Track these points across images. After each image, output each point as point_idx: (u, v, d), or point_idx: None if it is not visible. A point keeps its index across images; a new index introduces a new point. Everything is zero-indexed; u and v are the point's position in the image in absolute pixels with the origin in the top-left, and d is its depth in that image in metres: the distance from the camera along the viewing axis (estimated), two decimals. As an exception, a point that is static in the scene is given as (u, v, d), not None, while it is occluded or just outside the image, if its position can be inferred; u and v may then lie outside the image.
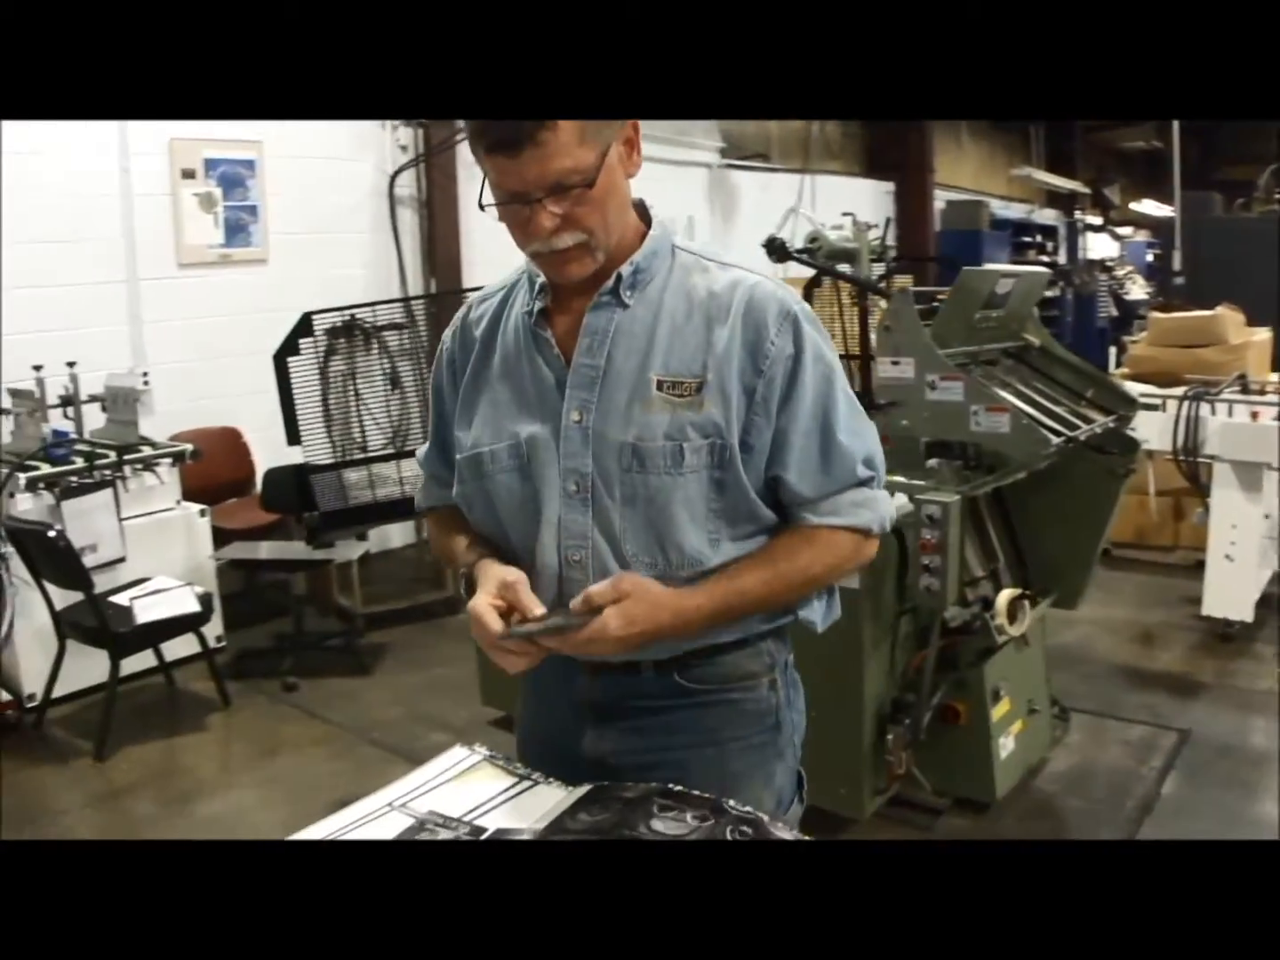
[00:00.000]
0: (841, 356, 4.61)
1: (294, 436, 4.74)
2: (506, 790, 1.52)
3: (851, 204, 9.87)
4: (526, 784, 1.53)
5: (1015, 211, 13.32)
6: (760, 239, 4.05)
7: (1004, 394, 3.35)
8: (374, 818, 1.46)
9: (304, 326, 4.73)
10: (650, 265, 1.57)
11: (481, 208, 1.49)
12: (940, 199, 11.55)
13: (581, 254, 1.50)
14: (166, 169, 5.89)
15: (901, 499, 3.18)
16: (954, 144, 12.18)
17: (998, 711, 3.42)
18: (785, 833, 1.35)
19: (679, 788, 1.43)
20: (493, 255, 6.89)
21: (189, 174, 5.97)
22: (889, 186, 11.02)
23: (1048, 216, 14.29)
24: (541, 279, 1.59)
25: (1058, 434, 3.15)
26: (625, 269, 1.55)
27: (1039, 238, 13.25)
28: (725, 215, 9.33)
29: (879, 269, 4.44)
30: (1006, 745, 3.47)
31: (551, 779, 1.54)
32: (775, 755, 1.67)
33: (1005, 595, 3.17)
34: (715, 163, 9.32)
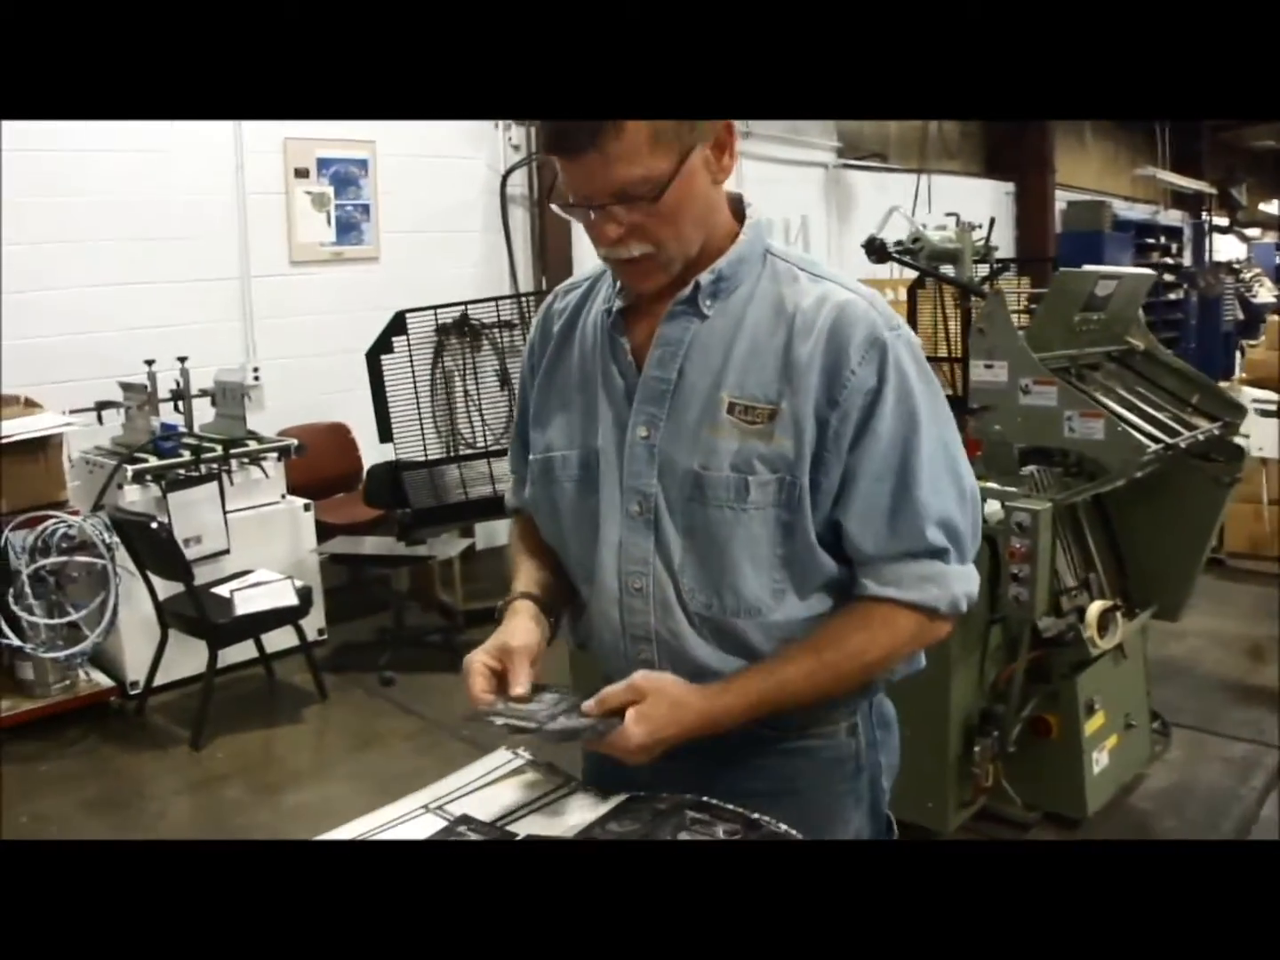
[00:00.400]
0: (943, 359, 4.54)
1: (385, 434, 4.80)
2: (544, 796, 1.49)
3: (969, 204, 9.72)
4: (564, 790, 1.50)
5: (1139, 213, 12.90)
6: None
7: (1104, 399, 3.23)
8: (408, 819, 1.45)
9: (397, 325, 4.79)
10: (736, 273, 1.43)
11: (547, 202, 1.42)
12: (1062, 199, 11.26)
13: (651, 267, 1.39)
14: (280, 168, 6.03)
15: (994, 505, 3.09)
16: (1077, 143, 11.86)
17: (1091, 725, 3.31)
18: None
19: (714, 800, 1.38)
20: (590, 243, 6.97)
21: (302, 173, 6.11)
22: (1009, 187, 10.79)
23: (1173, 218, 13.80)
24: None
25: (1156, 440, 3.02)
26: (705, 277, 1.41)
27: (1163, 239, 12.80)
28: (841, 215, 9.22)
29: (984, 270, 4.35)
30: (1100, 760, 3.35)
31: (590, 786, 1.50)
32: (854, 802, 1.54)
33: (1095, 607, 3.05)
34: (831, 162, 9.22)
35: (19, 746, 4.40)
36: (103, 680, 4.81)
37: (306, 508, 5.39)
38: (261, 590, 4.64)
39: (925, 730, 3.14)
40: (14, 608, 4.31)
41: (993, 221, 4.07)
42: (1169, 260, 12.57)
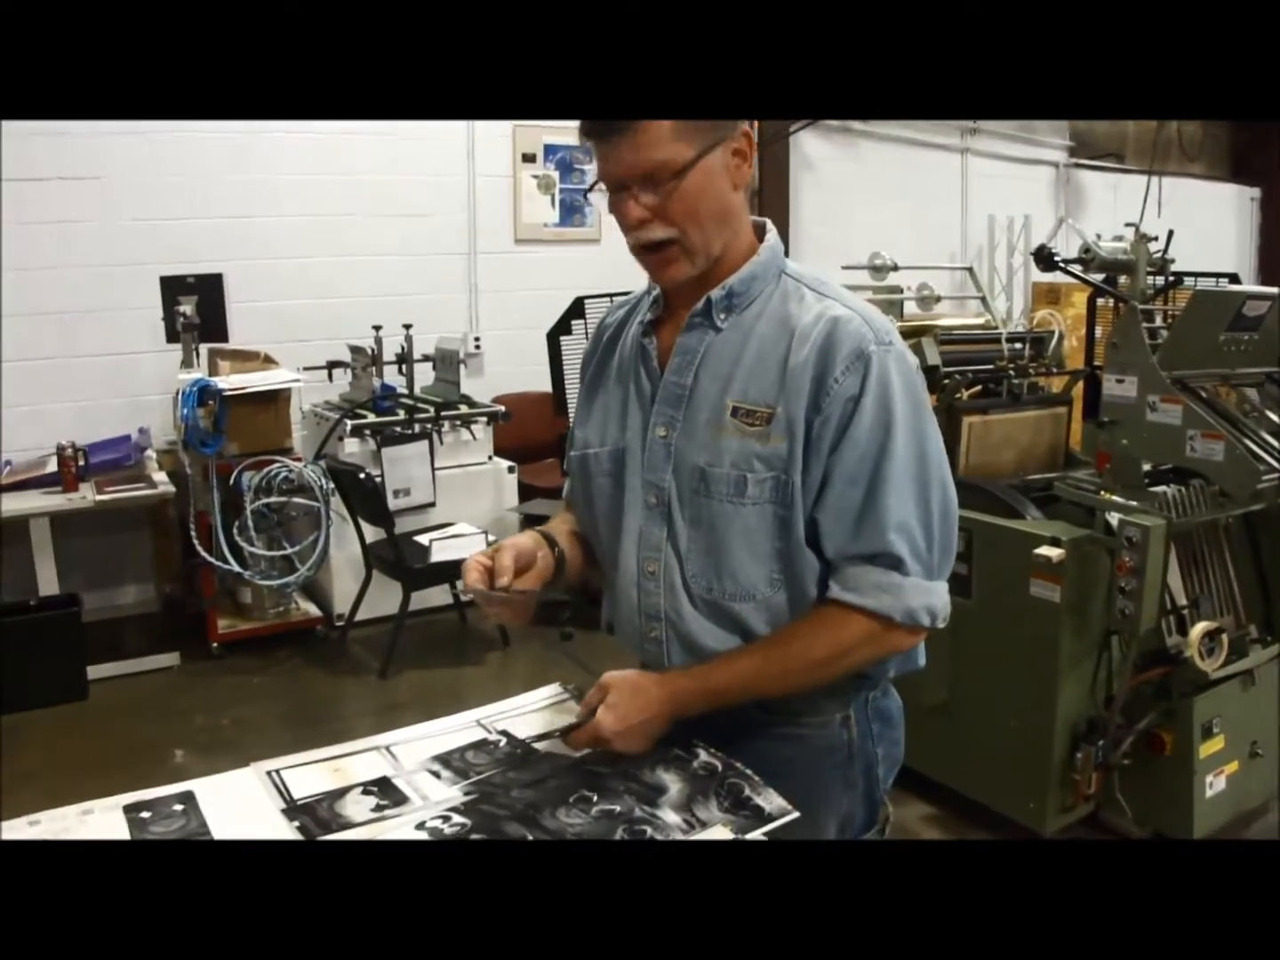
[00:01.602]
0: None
1: (560, 409, 5.13)
2: (576, 725, 1.75)
3: (1208, 210, 9.36)
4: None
5: None
6: (1105, 239, 4.03)
7: (1246, 420, 3.24)
8: (458, 729, 1.75)
9: (576, 309, 5.11)
10: (748, 289, 1.58)
11: (587, 193, 1.57)
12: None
13: (676, 255, 1.52)
14: (509, 153, 6.48)
15: (1115, 518, 3.15)
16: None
17: (1207, 748, 3.30)
18: (768, 801, 1.48)
19: (698, 742, 1.60)
20: (824, 244, 7.04)
21: (529, 158, 6.53)
22: (1254, 192, 10.23)
23: None
24: (658, 290, 1.65)
25: (1289, 468, 3.03)
26: (716, 292, 1.57)
27: None
28: (1071, 216, 9.02)
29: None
30: (1215, 784, 3.33)
31: None
32: (844, 788, 1.67)
33: (1199, 628, 3.05)
34: (1062, 161, 9.04)
35: (236, 660, 5.04)
36: (312, 610, 5.40)
37: (510, 470, 5.81)
38: (457, 542, 5.04)
39: (1030, 730, 3.25)
40: (238, 539, 4.90)
41: (1171, 234, 4.02)
42: None
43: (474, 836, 1.38)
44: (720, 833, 1.40)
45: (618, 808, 1.45)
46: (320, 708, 4.64)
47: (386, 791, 1.52)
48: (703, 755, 1.59)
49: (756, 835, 1.41)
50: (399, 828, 1.41)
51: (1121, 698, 3.16)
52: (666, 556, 1.61)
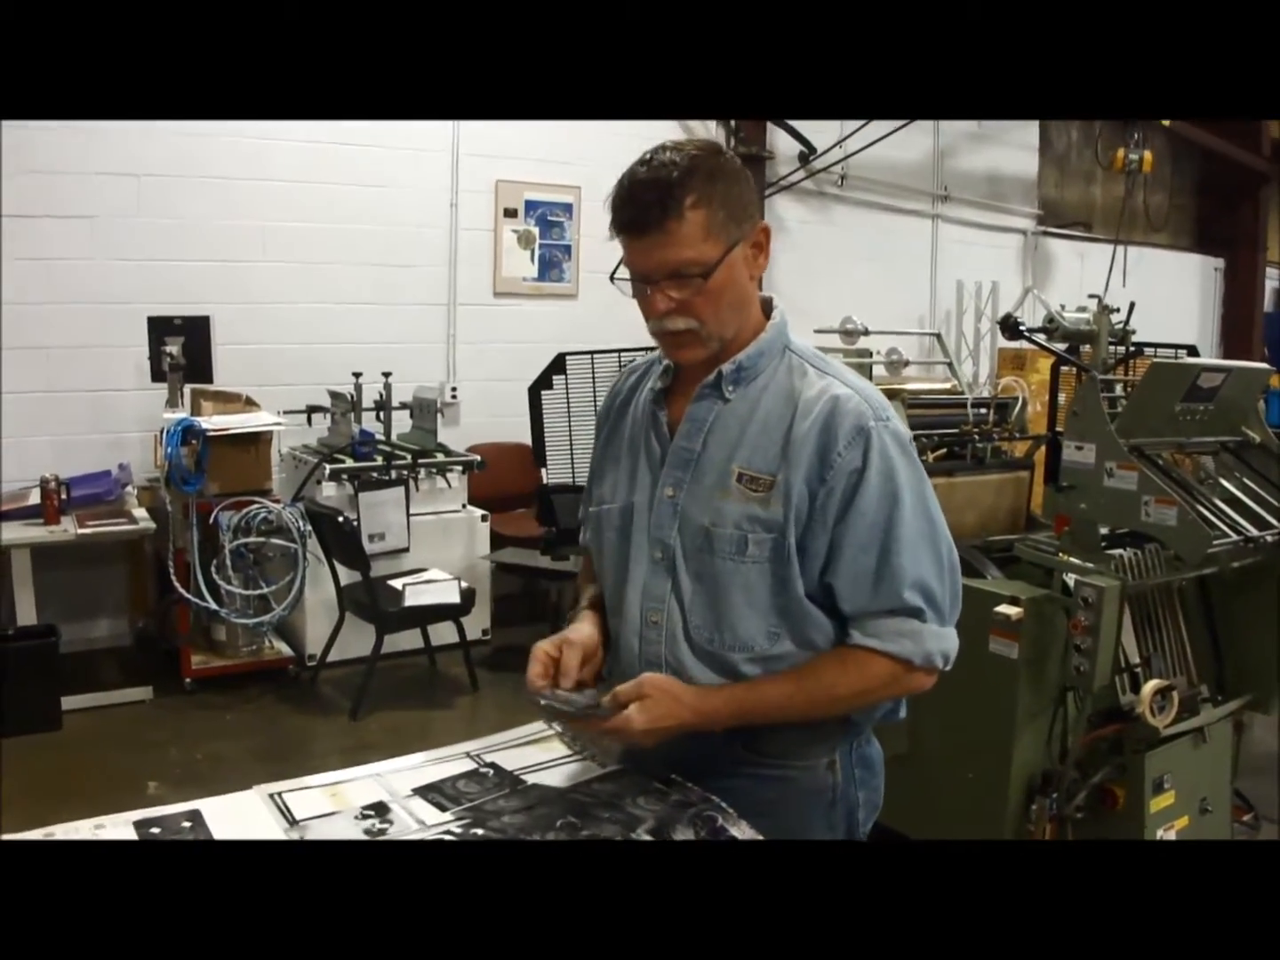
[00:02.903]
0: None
1: (540, 459, 5.24)
2: (558, 759, 1.85)
3: (1173, 280, 9.61)
4: (577, 757, 1.86)
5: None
6: (1071, 307, 4.19)
7: (1199, 487, 3.38)
8: (448, 759, 1.84)
9: (557, 365, 5.24)
10: (755, 364, 1.69)
11: (612, 280, 1.67)
12: (1276, 278, 10.95)
13: (692, 340, 1.64)
14: (491, 207, 6.62)
15: (1073, 579, 3.28)
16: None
17: (1158, 803, 3.40)
18: (741, 831, 1.59)
19: (676, 778, 1.71)
20: (796, 305, 7.22)
21: (511, 213, 6.69)
22: (1218, 262, 10.54)
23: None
24: (668, 361, 1.77)
25: (1238, 532, 3.16)
26: (727, 366, 1.68)
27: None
28: (1037, 283, 9.26)
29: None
30: (1165, 838, 3.45)
31: (596, 754, 1.85)
32: (826, 829, 1.76)
33: (1150, 686, 3.16)
34: (1031, 229, 9.31)
35: (208, 696, 5.09)
36: (284, 649, 5.47)
37: (484, 518, 5.90)
38: (430, 587, 5.15)
39: (987, 782, 3.35)
40: (215, 577, 4.96)
41: (1132, 305, 4.20)
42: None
43: (468, 856, 1.47)
44: (698, 859, 1.50)
45: (602, 834, 1.55)
46: (292, 745, 4.70)
47: (383, 815, 1.61)
48: (679, 789, 1.69)
49: (731, 862, 1.50)
50: (396, 848, 1.50)
51: (1075, 752, 3.26)
52: (670, 608, 1.71)
